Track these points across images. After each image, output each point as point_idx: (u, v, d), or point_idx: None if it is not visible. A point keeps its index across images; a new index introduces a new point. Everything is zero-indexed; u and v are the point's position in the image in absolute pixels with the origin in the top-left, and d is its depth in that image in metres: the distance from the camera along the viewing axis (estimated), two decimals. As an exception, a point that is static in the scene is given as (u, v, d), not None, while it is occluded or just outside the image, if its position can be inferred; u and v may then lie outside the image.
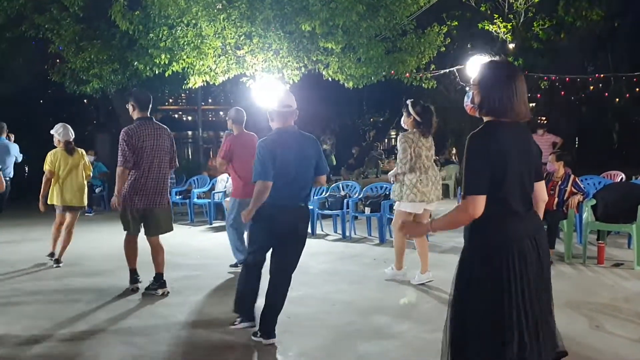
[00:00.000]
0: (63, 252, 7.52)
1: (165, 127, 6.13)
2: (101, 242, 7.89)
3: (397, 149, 6.54)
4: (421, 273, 6.31)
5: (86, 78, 12.45)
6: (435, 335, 4.74)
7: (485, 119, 2.77)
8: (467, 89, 2.85)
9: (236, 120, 7.05)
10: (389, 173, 6.64)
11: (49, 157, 7.43)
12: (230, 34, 10.51)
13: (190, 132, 60.49)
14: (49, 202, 7.50)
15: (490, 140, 2.65)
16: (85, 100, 21.60)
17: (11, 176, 9.33)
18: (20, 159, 9.73)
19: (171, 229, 6.28)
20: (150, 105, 6.07)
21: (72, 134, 7.54)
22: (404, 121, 6.34)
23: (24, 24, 12.97)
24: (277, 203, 4.46)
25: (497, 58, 2.75)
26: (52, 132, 7.53)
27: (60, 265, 7.41)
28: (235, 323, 4.92)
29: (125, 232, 6.10)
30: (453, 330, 2.82)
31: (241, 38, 10.64)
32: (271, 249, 4.68)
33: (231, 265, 7.18)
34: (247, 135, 7.06)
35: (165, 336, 4.83)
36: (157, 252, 6.11)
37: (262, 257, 4.74)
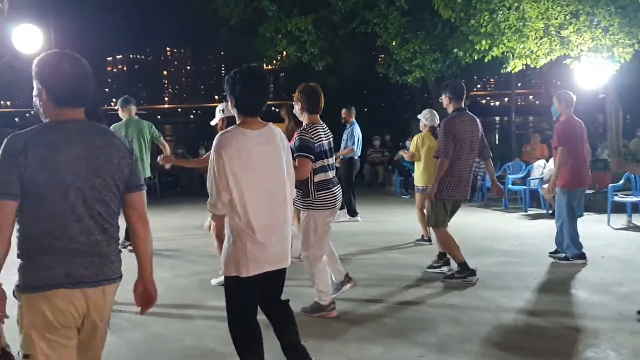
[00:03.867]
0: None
1: (476, 117, 6.18)
2: (417, 222, 8.36)
3: None
4: None
5: (409, 68, 13.22)
6: None
7: None
8: None
9: (568, 104, 6.70)
10: None
11: (416, 139, 7.85)
12: (555, 14, 10.04)
13: (497, 118, 59.55)
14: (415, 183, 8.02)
15: None
16: (404, 90, 22.80)
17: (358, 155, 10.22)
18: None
19: None
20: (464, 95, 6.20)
21: (437, 119, 7.81)
22: None
23: (355, 20, 14.31)
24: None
25: None
26: (419, 117, 7.94)
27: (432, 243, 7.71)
28: None
29: (436, 228, 6.16)
30: None
31: (566, 17, 10.09)
32: None
33: (553, 256, 6.88)
34: (576, 120, 6.70)
35: (488, 317, 4.95)
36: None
37: None
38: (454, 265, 6.25)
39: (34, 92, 2.41)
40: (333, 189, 4.91)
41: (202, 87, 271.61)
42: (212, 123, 5.82)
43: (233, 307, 3.35)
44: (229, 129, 3.27)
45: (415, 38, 12.75)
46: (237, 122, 3.28)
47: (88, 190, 2.34)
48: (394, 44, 13.36)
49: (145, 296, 2.59)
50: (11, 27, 9.93)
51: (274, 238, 3.25)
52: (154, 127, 7.70)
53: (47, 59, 2.38)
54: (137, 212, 2.52)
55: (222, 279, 5.85)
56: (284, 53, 16.99)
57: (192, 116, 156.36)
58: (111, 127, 6.68)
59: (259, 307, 3.50)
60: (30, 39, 9.76)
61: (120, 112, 7.62)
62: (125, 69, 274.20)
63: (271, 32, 16.11)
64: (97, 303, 2.36)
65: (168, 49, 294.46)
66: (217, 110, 5.80)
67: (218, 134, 3.25)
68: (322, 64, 15.75)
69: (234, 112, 3.31)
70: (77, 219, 2.32)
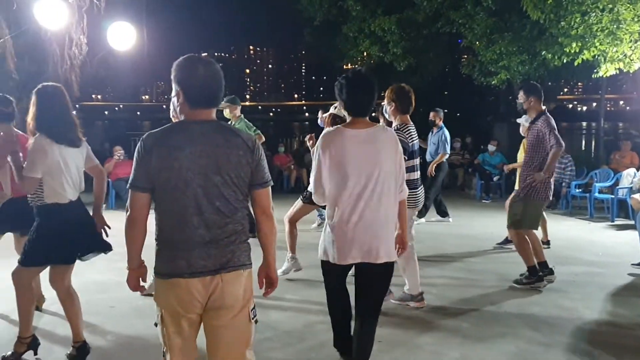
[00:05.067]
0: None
1: None
2: (497, 227, 8.18)
3: None
4: None
5: (494, 70, 12.94)
6: None
7: None
8: None
9: None
10: None
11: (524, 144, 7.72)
12: (657, 17, 9.60)
13: (584, 123, 57.16)
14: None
15: None
16: (487, 92, 22.29)
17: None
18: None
19: None
20: None
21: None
22: None
23: (440, 20, 14.15)
24: None
25: None
26: (519, 121, 7.57)
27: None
28: None
29: (531, 230, 6.00)
30: None
31: (665, 20, 9.63)
32: None
33: (634, 264, 6.76)
34: None
35: (570, 327, 4.82)
36: None
37: None
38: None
39: (173, 94, 2.61)
40: (416, 190, 5.01)
41: (283, 85, 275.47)
42: (323, 115, 6.25)
43: (326, 284, 3.75)
44: (332, 128, 3.53)
45: (502, 39, 12.48)
46: (347, 122, 3.53)
47: (208, 187, 2.49)
48: (479, 44, 13.13)
49: (268, 281, 2.82)
50: (106, 24, 10.39)
51: (363, 233, 3.39)
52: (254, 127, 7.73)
53: (183, 63, 2.56)
54: (261, 208, 2.67)
55: (284, 268, 6.04)
56: (366, 53, 17.00)
57: (271, 114, 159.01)
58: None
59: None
60: (124, 37, 10.18)
61: (229, 111, 7.61)
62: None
63: (354, 32, 16.17)
64: (215, 290, 2.53)
65: (251, 47, 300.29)
66: (332, 106, 6.09)
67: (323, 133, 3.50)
68: (404, 64, 15.66)
69: (345, 113, 3.55)
70: (197, 213, 2.49)
